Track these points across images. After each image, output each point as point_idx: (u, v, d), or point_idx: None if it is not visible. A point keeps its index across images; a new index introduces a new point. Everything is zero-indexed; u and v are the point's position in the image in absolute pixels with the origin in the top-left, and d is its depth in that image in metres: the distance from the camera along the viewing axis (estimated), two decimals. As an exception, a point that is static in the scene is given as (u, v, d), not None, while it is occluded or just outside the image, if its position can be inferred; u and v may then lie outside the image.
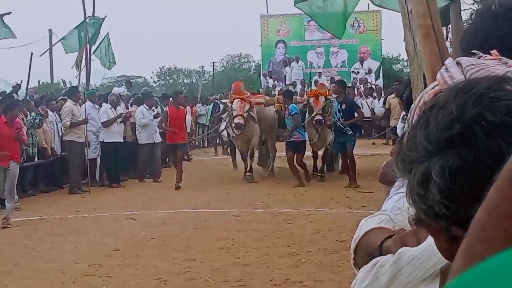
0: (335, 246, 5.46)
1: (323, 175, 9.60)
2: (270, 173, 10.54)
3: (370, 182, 8.18)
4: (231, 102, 9.68)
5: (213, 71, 27.44)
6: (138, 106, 10.83)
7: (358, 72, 16.27)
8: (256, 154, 10.63)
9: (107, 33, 11.94)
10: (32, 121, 8.93)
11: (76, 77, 11.75)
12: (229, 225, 6.89)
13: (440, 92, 0.74)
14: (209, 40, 59.08)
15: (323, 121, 9.06)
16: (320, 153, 9.97)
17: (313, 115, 9.07)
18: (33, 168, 9.44)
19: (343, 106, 8.65)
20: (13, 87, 11.62)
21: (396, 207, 1.18)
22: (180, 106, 9.91)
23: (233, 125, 9.64)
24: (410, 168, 0.61)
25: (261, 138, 10.33)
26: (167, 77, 29.83)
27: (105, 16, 11.24)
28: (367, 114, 12.00)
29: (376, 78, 15.49)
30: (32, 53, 11.04)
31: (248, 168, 9.97)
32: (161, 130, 10.27)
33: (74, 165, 9.70)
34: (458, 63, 0.84)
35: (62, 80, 17.62)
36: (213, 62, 27.24)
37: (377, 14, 15.80)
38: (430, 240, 0.78)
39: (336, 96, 9.02)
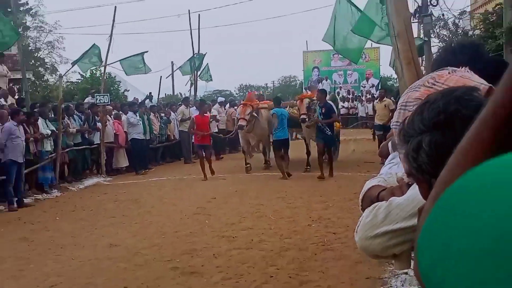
0: (351, 196, 7.12)
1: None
2: (266, 165, 11.64)
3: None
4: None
5: (273, 86, 40.28)
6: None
7: (365, 86, 24.95)
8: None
9: (207, 64, 16.68)
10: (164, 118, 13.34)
11: (188, 91, 16.72)
12: (284, 184, 9.38)
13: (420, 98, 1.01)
14: (270, 65, 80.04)
15: (306, 119, 10.00)
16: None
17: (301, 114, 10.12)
18: (163, 147, 13.82)
19: (323, 110, 9.55)
20: (146, 96, 16.90)
21: (389, 172, 1.45)
22: (205, 114, 10.98)
23: (236, 126, 11.16)
24: (408, 140, 0.81)
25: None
26: (245, 90, 37.67)
27: (206, 53, 15.97)
28: (370, 113, 18.52)
29: (377, 90, 21.95)
30: (161, 76, 18.18)
31: (264, 161, 11.57)
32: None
33: (185, 146, 13.64)
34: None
35: (179, 93, 24.10)
36: (273, 81, 40.91)
37: (376, 50, 23.53)
38: (409, 193, 1.06)
39: (318, 101, 9.80)
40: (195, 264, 4.78)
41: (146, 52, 12.92)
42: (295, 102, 11.21)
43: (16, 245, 5.85)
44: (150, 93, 17.51)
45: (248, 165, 11.10)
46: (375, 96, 19.34)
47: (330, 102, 10.39)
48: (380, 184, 1.30)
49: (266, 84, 42.00)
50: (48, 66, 23.53)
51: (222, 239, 5.69)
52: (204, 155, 10.35)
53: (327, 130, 9.57)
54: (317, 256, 4.90)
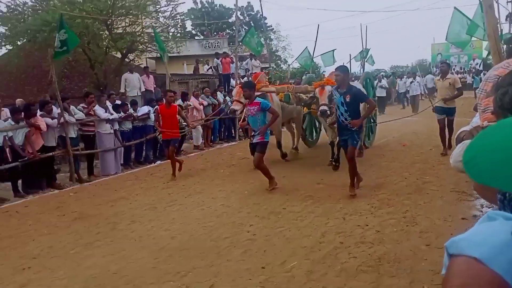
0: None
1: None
2: (294, 152, 10.25)
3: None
4: None
5: (411, 65, 43.76)
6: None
7: (471, 64, 33.83)
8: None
9: (370, 49, 21.44)
10: None
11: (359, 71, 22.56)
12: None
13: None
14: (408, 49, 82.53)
15: (328, 111, 7.74)
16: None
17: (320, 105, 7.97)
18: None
19: (347, 98, 6.38)
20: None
21: (474, 122, 1.94)
22: (171, 104, 9.00)
23: (229, 110, 9.80)
24: (498, 89, 1.23)
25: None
26: (395, 69, 44.01)
27: (370, 48, 21.00)
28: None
29: (480, 66, 30.41)
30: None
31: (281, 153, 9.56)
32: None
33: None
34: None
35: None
36: (412, 62, 44.28)
37: (479, 40, 26.93)
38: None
39: (336, 86, 6.71)
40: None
41: (335, 49, 17.81)
42: (310, 88, 8.85)
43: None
44: None
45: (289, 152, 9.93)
46: (472, 69, 24.28)
47: (357, 85, 8.18)
48: (467, 129, 1.84)
49: (407, 64, 48.09)
50: (282, 60, 37.05)
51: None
52: (168, 151, 8.91)
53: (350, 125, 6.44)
54: (435, 167, 7.91)
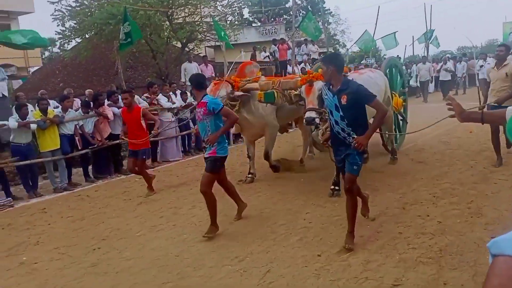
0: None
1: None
2: (301, 165, 7.98)
3: None
4: None
5: (481, 46, 41.65)
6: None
7: None
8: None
9: (434, 30, 21.06)
10: None
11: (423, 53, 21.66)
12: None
13: None
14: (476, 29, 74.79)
15: (317, 120, 5.45)
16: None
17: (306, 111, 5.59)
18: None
19: (343, 99, 4.22)
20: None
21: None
22: (133, 106, 7.30)
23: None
24: None
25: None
26: (463, 50, 40.92)
27: (434, 29, 20.52)
28: None
29: None
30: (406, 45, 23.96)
31: (272, 166, 7.59)
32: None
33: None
34: None
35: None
36: (481, 42, 40.17)
37: None
38: None
39: (328, 83, 4.42)
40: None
41: (397, 31, 17.71)
42: (292, 83, 6.54)
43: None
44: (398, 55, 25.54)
45: (250, 176, 7.44)
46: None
47: (373, 77, 6.69)
48: None
49: (475, 45, 44.96)
50: (340, 44, 36.19)
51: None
52: (133, 165, 7.33)
53: (351, 135, 4.29)
54: (504, 156, 7.41)
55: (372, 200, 5.79)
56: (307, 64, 17.31)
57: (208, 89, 6.26)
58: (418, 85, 19.20)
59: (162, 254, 4.65)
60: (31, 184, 8.20)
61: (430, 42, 23.01)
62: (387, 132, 7.78)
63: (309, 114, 5.49)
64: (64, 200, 7.43)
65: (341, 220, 5.13)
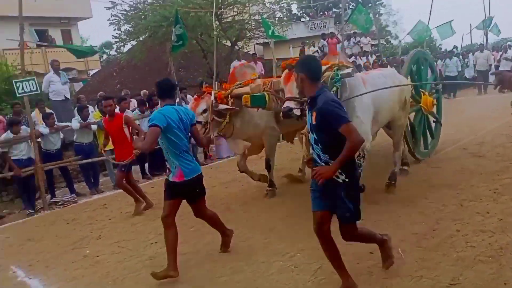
0: None
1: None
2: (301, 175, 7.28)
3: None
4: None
5: None
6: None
7: None
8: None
9: (493, 18, 19.74)
10: None
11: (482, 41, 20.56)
12: None
13: None
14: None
15: (297, 111, 4.41)
16: None
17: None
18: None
19: (313, 116, 3.19)
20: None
21: None
22: (115, 114, 6.67)
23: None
24: None
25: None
26: None
27: (494, 15, 19.30)
28: None
29: None
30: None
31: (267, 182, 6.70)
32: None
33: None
34: None
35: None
36: None
37: None
38: None
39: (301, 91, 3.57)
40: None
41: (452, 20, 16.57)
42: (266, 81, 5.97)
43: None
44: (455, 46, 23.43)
45: (270, 189, 6.63)
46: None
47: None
48: None
49: None
50: (393, 35, 35.14)
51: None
52: (118, 178, 6.77)
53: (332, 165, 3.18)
54: None
55: (427, 196, 5.62)
56: (357, 57, 16.95)
57: (189, 105, 6.00)
58: (476, 75, 18.14)
59: (215, 249, 4.78)
60: (93, 181, 8.70)
61: (489, 29, 21.75)
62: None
63: (287, 104, 4.47)
64: (123, 197, 7.78)
65: (395, 217, 5.03)
